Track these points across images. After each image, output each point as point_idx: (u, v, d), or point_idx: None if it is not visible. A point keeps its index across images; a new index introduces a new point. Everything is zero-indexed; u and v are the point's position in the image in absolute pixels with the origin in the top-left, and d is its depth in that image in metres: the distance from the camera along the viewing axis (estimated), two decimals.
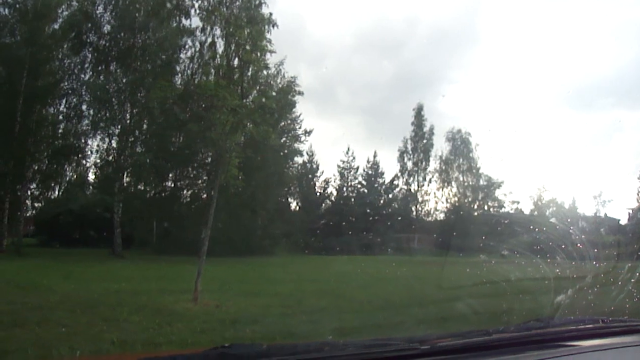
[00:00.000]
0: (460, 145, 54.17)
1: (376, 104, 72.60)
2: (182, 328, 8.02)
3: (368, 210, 51.98)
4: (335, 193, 54.30)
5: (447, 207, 54.14)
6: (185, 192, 39.07)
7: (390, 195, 54.31)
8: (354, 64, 73.56)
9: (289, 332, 8.15)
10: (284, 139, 39.75)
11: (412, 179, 53.64)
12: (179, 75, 36.03)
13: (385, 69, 73.48)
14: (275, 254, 35.73)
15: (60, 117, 35.11)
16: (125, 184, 35.42)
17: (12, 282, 13.51)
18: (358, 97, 75.30)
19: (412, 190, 53.64)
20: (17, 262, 23.18)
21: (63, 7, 33.09)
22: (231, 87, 29.03)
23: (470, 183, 54.26)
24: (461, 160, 54.03)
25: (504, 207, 52.37)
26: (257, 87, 33.97)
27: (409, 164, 53.65)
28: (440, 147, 55.18)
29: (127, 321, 8.44)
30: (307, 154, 50.24)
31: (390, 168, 60.92)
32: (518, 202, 53.63)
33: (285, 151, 40.78)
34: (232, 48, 32.60)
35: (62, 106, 35.06)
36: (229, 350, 1.63)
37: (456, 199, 54.04)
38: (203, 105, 31.74)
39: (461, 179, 54.32)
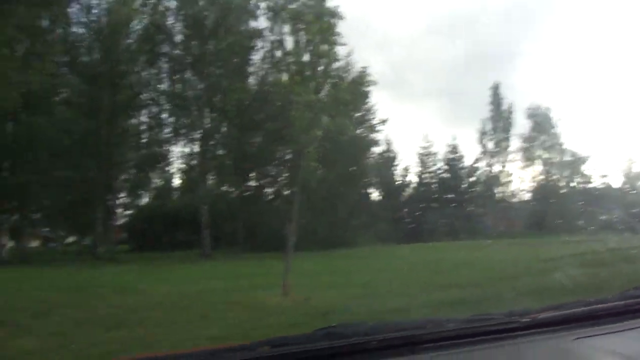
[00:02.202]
0: (542, 121, 52.13)
1: (451, 85, 71.19)
2: (275, 322, 8.10)
3: (450, 196, 51.11)
4: (415, 180, 53.61)
5: (532, 186, 52.35)
6: (267, 189, 39.84)
7: (472, 179, 53.00)
8: (425, 46, 72.36)
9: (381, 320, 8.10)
10: (360, 129, 39.69)
11: (494, 159, 52.12)
12: (253, 76, 36.69)
13: (458, 49, 71.84)
14: (359, 244, 35.70)
15: (143, 127, 36.56)
16: (209, 187, 36.34)
17: (110, 287, 13.96)
18: (432, 80, 74.06)
19: (495, 172, 52.11)
20: (112, 268, 24.23)
21: (135, 21, 34.41)
22: (304, 84, 29.36)
23: (555, 160, 52.13)
24: (544, 136, 51.98)
25: (592, 182, 49.99)
26: (330, 81, 34.02)
27: (490, 145, 52.16)
28: (521, 124, 53.42)
29: (222, 318, 8.62)
30: (385, 142, 49.85)
31: (470, 150, 59.54)
32: (606, 176, 51.06)
33: (363, 142, 40.71)
34: (302, 44, 32.80)
35: (144, 117, 36.54)
36: (335, 330, 1.68)
37: (542, 177, 52.10)
38: (278, 104, 32.37)
39: (545, 156, 52.30)
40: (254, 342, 1.66)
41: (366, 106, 40.85)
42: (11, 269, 22.85)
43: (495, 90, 52.37)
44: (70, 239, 49.06)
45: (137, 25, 34.71)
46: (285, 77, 31.47)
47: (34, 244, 45.61)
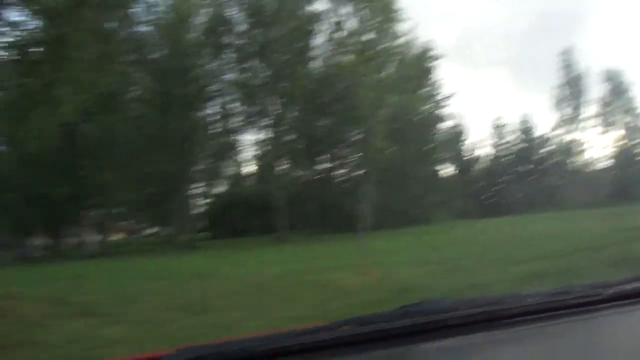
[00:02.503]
0: (618, 84, 49.65)
1: (521, 52, 68.85)
2: (355, 301, 8.12)
3: (527, 167, 49.62)
4: (489, 153, 52.34)
5: (612, 152, 49.98)
6: (339, 171, 39.86)
7: (548, 148, 51.14)
8: (491, 15, 70.18)
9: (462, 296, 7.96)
10: (428, 105, 39.07)
11: (570, 127, 50.00)
12: (317, 60, 36.64)
13: (525, 15, 69.26)
14: (435, 221, 35.29)
15: (214, 118, 37.30)
16: (282, 172, 36.74)
17: (193, 274, 14.40)
18: (500, 49, 71.95)
19: (572, 139, 49.98)
20: (194, 255, 25.06)
21: (198, 15, 35.00)
22: (368, 63, 29.10)
23: (636, 124, 49.57)
24: (621, 100, 49.47)
25: None
26: (394, 58, 33.54)
27: (566, 112, 50.06)
28: (596, 89, 51.07)
29: (301, 299, 8.73)
30: (455, 116, 48.85)
31: (545, 119, 57.44)
32: None
33: (432, 117, 40.10)
34: (364, 23, 32.44)
35: (214, 107, 37.27)
36: (418, 307, 1.65)
37: (622, 142, 49.63)
38: (344, 86, 32.25)
39: (625, 120, 49.80)
40: (336, 321, 1.61)
41: (432, 81, 40.12)
42: (98, 261, 23.95)
43: (567, 55, 50.27)
44: (152, 230, 50.99)
45: (200, 19, 35.37)
46: (348, 58, 31.30)
47: (118, 236, 47.71)
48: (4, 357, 5.94)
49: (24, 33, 12.54)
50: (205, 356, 1.42)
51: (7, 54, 12.53)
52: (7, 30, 12.67)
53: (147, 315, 8.14)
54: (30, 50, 12.95)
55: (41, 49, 12.51)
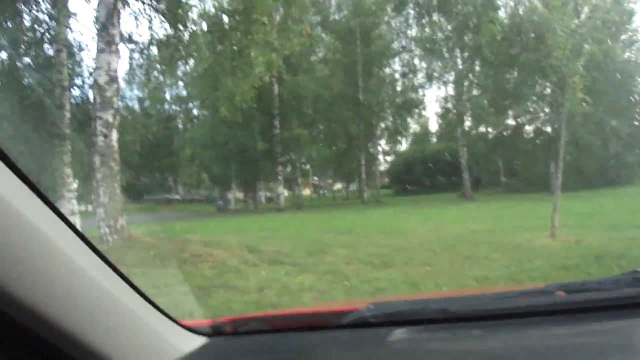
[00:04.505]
0: None
1: None
2: (543, 264, 7.76)
3: None
4: None
5: None
6: (527, 127, 37.85)
7: None
8: None
9: None
10: (627, 54, 35.25)
11: None
12: (502, 9, 34.73)
13: None
14: (635, 183, 32.15)
15: (397, 75, 37.33)
16: (467, 129, 35.83)
17: (376, 228, 14.79)
18: None
19: None
20: (378, 210, 25.52)
21: None
22: (563, 7, 26.78)
23: None
24: None
25: None
26: (591, 2, 30.60)
27: None
28: None
29: (487, 259, 8.52)
30: None
31: None
32: None
33: (634, 67, 36.17)
34: None
35: (397, 65, 37.24)
36: (631, 277, 1.45)
37: None
38: (534, 35, 30.18)
39: None
40: (549, 285, 1.51)
41: (634, 26, 36.02)
42: (288, 214, 25.42)
43: None
44: (338, 186, 52.85)
45: None
46: (539, 3, 29.17)
47: (307, 192, 50.16)
48: (206, 299, 6.40)
49: (215, 3, 13.42)
50: (403, 312, 1.40)
51: (199, 25, 13.54)
52: (197, 3, 13.72)
53: (333, 267, 8.42)
54: (222, 20, 13.89)
55: (231, 17, 13.30)
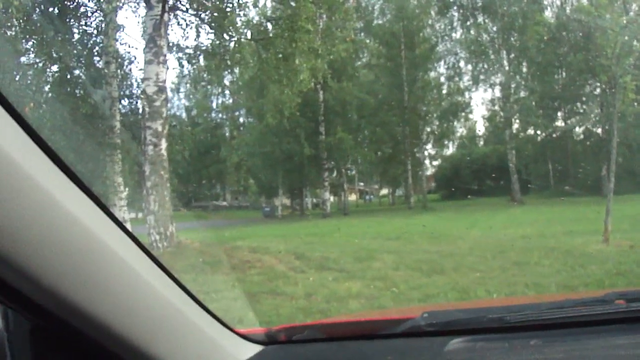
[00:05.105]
0: None
1: None
2: (596, 270, 7.60)
3: None
4: None
5: None
6: (577, 129, 36.88)
7: None
8: None
9: None
10: None
11: None
12: (548, 8, 34.04)
13: None
14: None
15: (442, 78, 36.94)
16: (514, 131, 35.23)
17: (424, 234, 14.60)
18: None
19: None
20: (425, 215, 25.24)
21: None
22: (611, 4, 26.01)
23: None
24: None
25: None
26: None
27: None
28: None
29: (538, 264, 8.40)
30: None
31: None
32: None
33: None
34: None
35: (442, 68, 36.86)
36: None
37: None
38: (581, 34, 29.42)
39: None
40: (608, 293, 1.44)
41: None
42: (334, 220, 25.41)
43: None
44: (384, 192, 52.59)
45: None
46: (586, 1, 28.45)
47: (353, 197, 50.08)
48: (254, 305, 6.45)
49: (259, 11, 13.61)
50: (459, 321, 1.38)
51: (244, 33, 13.74)
52: (243, 12, 13.92)
53: (381, 273, 8.44)
54: (266, 27, 14.08)
55: (275, 25, 13.47)
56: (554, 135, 36.35)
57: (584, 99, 33.57)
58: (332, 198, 36.41)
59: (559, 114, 36.01)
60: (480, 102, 67.76)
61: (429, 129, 36.94)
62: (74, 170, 0.82)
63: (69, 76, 12.77)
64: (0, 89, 0.71)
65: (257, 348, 1.38)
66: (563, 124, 36.25)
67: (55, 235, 0.76)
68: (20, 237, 0.70)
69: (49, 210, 0.75)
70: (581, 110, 34.89)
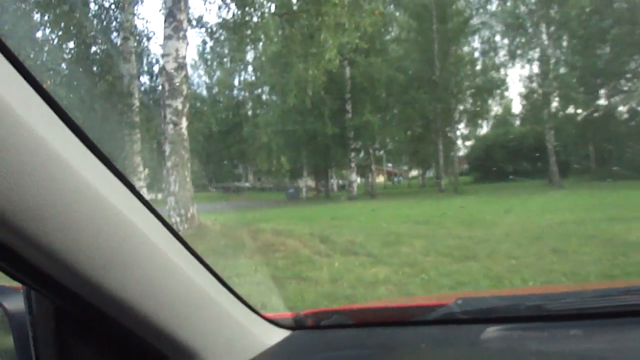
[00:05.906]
0: None
1: None
2: (639, 259, 7.23)
3: None
4: None
5: None
6: (621, 108, 35.77)
7: None
8: None
9: None
10: None
11: None
12: None
13: None
14: None
15: (476, 54, 36.18)
16: (553, 110, 34.32)
17: (455, 218, 14.32)
18: None
19: None
20: (456, 199, 24.89)
21: None
22: None
23: None
24: None
25: None
26: None
27: None
28: None
29: (576, 252, 8.02)
30: None
31: None
32: None
33: None
34: None
35: (476, 42, 36.12)
36: None
37: None
38: (626, 6, 28.39)
39: None
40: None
41: None
42: (360, 203, 25.30)
43: None
44: (414, 173, 52.10)
45: None
46: None
47: (381, 179, 49.63)
48: (279, 289, 6.48)
49: None
50: (495, 308, 1.36)
51: (268, 7, 13.33)
52: None
53: (409, 258, 8.29)
54: (291, 1, 13.63)
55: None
56: (596, 115, 35.32)
57: (628, 75, 32.82)
58: (358, 179, 36.00)
59: (602, 91, 35.07)
60: (517, 78, 66.99)
61: (461, 108, 36.38)
62: (100, 149, 0.80)
63: (85, 52, 12.52)
64: (24, 64, 0.67)
65: (285, 333, 1.39)
66: (606, 102, 35.32)
67: (81, 211, 0.74)
68: (44, 214, 0.69)
69: (74, 186, 0.73)
70: (625, 88, 34.02)
